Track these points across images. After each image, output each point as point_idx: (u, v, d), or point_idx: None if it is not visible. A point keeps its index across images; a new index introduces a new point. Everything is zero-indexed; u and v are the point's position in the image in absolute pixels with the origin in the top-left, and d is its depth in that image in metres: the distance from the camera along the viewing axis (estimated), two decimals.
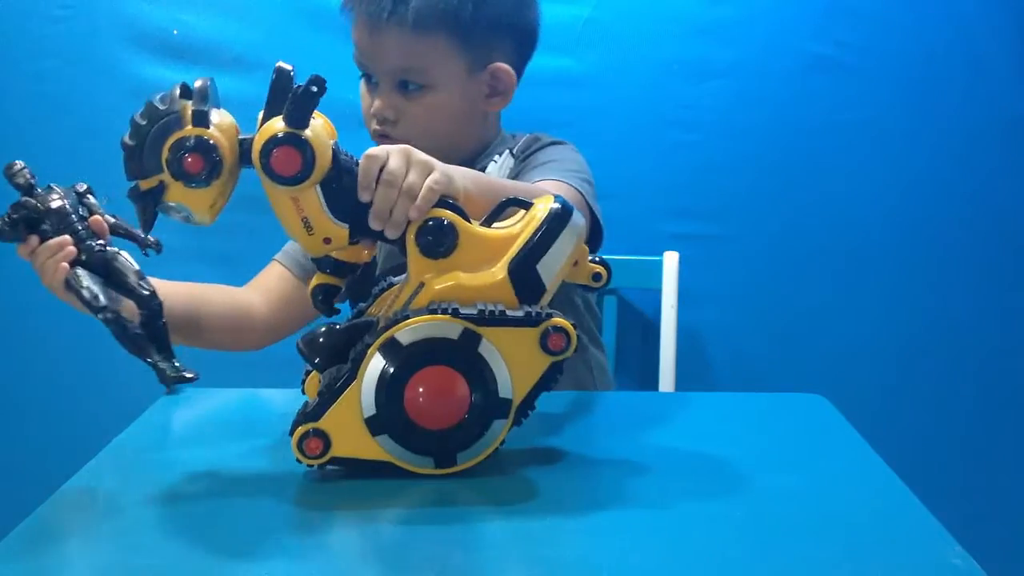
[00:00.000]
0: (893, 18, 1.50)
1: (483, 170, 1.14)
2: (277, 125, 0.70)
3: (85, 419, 1.41)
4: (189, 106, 0.70)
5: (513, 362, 0.73)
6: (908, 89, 1.51)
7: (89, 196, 0.85)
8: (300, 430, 0.72)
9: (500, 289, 0.73)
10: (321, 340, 0.75)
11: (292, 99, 0.69)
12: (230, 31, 1.49)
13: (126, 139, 0.71)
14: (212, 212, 0.73)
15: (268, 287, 1.20)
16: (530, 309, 0.73)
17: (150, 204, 0.71)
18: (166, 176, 0.70)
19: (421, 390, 0.72)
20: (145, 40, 1.49)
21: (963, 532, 0.64)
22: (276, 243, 1.43)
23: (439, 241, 0.73)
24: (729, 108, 1.51)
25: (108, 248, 0.81)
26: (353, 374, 0.72)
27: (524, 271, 0.74)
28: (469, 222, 0.74)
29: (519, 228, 0.75)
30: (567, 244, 0.75)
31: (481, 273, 0.74)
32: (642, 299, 1.52)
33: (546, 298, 0.75)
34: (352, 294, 0.80)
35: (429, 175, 0.74)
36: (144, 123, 0.70)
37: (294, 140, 0.70)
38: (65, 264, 0.80)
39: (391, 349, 0.71)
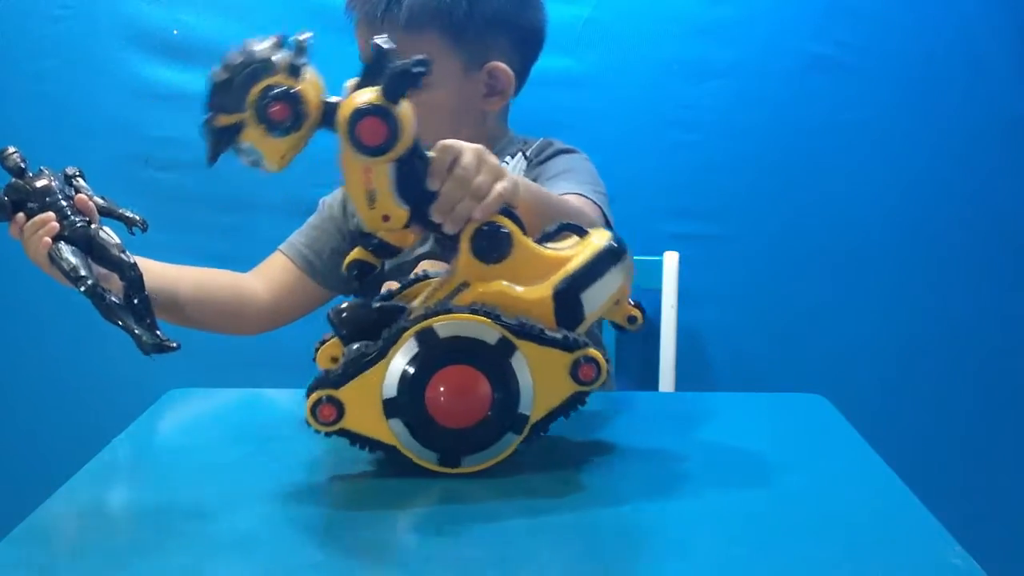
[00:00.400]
0: (893, 18, 1.50)
1: None
2: (371, 95, 0.71)
3: (85, 419, 1.41)
4: (285, 56, 0.71)
5: (540, 381, 0.73)
6: (908, 89, 1.51)
7: (79, 179, 0.88)
8: (317, 394, 0.71)
9: (542, 307, 0.74)
10: (352, 313, 0.75)
11: (392, 74, 0.70)
12: (230, 31, 1.49)
13: (216, 71, 0.71)
14: (282, 162, 0.74)
15: (271, 275, 1.21)
16: (568, 334, 0.73)
17: (224, 141, 0.72)
18: (248, 117, 0.71)
19: (443, 388, 0.72)
20: (145, 40, 1.49)
21: (963, 532, 0.64)
22: (273, 243, 1.43)
23: (494, 247, 0.74)
24: (729, 108, 1.51)
25: (91, 225, 0.83)
26: (383, 353, 0.71)
27: (569, 296, 0.74)
28: (526, 235, 0.75)
29: (572, 253, 0.76)
30: (614, 281, 0.76)
31: (526, 288, 0.74)
32: (642, 299, 1.51)
33: (583, 327, 0.75)
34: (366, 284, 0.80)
35: (498, 180, 0.75)
36: (239, 61, 0.71)
37: (384, 113, 0.70)
38: (48, 239, 0.83)
39: (427, 338, 0.71)
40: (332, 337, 0.80)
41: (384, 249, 0.78)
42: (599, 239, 0.77)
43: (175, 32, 1.49)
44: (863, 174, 1.52)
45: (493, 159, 0.76)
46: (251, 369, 1.45)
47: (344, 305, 0.76)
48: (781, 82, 1.50)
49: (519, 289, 0.74)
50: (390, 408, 0.72)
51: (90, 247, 0.83)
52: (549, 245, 0.77)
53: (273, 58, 0.71)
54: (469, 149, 0.75)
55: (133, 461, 0.81)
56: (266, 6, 1.50)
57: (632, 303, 0.81)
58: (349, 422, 0.72)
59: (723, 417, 0.92)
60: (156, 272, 1.04)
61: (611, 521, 0.68)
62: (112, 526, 0.67)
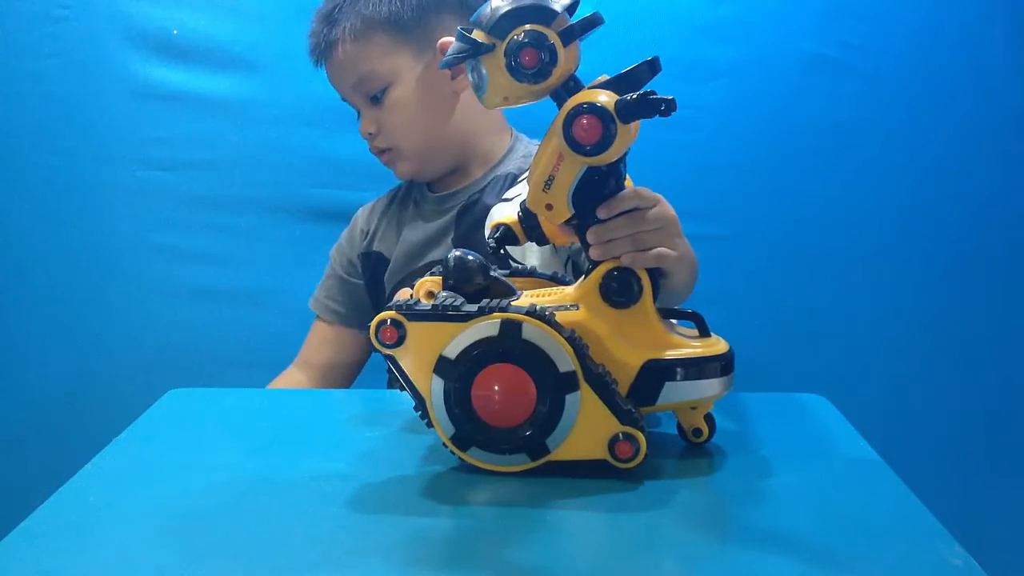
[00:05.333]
0: (893, 18, 1.50)
1: (515, 180, 1.14)
2: (608, 100, 0.72)
3: (85, 419, 1.41)
4: (564, 18, 0.72)
5: (580, 430, 0.72)
6: (909, 89, 1.51)
7: None
8: (389, 315, 0.71)
9: (624, 371, 0.74)
10: (468, 265, 0.76)
11: (642, 98, 0.71)
12: (230, 31, 1.49)
13: None
14: (502, 103, 0.75)
15: (313, 345, 1.24)
16: (633, 409, 0.73)
17: (466, 54, 0.72)
18: (499, 46, 0.72)
19: (496, 379, 0.72)
20: (145, 40, 1.49)
21: (963, 532, 0.64)
22: (273, 243, 1.43)
23: (620, 293, 0.75)
24: (729, 108, 1.51)
25: None
26: (467, 317, 0.71)
27: (654, 377, 0.74)
28: (654, 301, 0.76)
29: (682, 342, 0.76)
30: (708, 389, 0.76)
31: (623, 346, 0.75)
32: None
33: (646, 410, 0.75)
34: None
35: (668, 244, 0.76)
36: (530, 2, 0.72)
37: (608, 123, 0.72)
38: None
39: (510, 329, 0.71)
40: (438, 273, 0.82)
41: (535, 231, 0.79)
42: (720, 346, 0.78)
43: (175, 32, 1.49)
44: (864, 174, 1.52)
45: (680, 231, 0.79)
46: (251, 369, 1.45)
47: (472, 260, 0.77)
48: (781, 82, 1.50)
49: (617, 345, 0.74)
50: (441, 366, 0.72)
51: None
52: (670, 323, 0.78)
53: (555, 10, 0.72)
54: (667, 206, 0.78)
55: (134, 461, 0.80)
56: (266, 6, 1.50)
57: (706, 416, 0.81)
58: (401, 354, 0.72)
59: (723, 416, 0.91)
60: None
61: (605, 520, 0.68)
62: (112, 527, 0.67)
